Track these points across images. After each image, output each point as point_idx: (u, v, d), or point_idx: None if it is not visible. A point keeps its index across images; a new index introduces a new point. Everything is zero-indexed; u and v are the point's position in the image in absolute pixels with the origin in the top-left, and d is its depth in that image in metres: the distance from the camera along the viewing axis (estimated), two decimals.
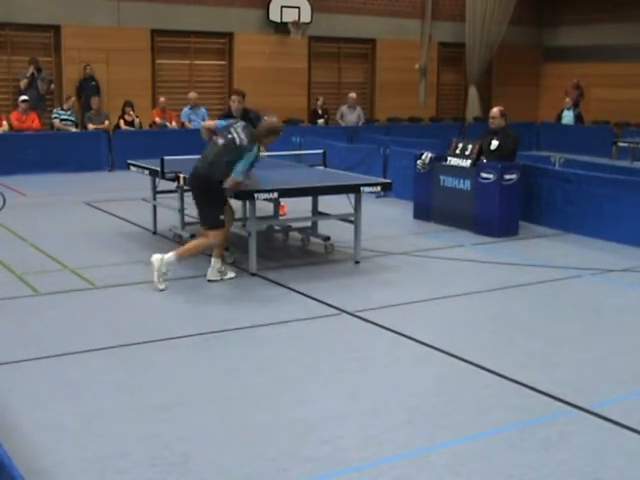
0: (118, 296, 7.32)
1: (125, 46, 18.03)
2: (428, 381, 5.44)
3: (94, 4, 17.77)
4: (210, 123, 8.31)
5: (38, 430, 4.57)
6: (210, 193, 7.55)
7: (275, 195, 8.05)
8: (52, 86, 17.42)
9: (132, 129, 17.05)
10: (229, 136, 7.57)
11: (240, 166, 7.48)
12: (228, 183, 7.50)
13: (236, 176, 7.49)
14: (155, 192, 9.78)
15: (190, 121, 17.60)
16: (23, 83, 16.74)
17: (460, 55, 22.54)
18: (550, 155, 13.78)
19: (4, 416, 4.73)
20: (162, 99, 17.71)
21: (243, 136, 7.55)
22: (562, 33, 23.37)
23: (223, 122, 7.97)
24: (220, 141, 7.60)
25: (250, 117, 9.74)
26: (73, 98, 16.99)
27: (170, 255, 7.41)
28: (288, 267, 8.43)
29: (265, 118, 7.97)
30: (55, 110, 16.77)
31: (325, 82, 21.15)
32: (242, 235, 8.28)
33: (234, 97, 9.45)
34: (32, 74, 16.76)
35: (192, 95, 17.76)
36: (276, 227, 9.79)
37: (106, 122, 16.84)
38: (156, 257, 7.39)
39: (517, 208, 10.23)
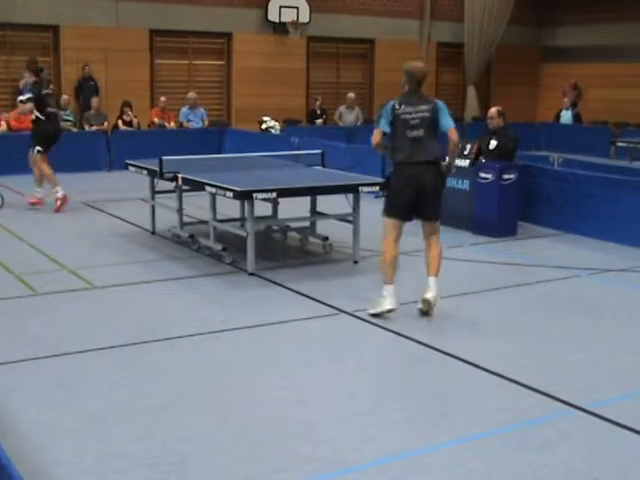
0: (116, 296, 7.32)
1: (124, 46, 18.02)
2: (427, 381, 5.44)
3: (93, 4, 17.76)
4: (377, 137, 6.84)
5: (37, 430, 4.56)
6: (441, 182, 6.95)
7: (274, 195, 8.06)
8: (51, 87, 17.38)
9: (130, 129, 17.04)
10: (415, 119, 6.72)
11: (449, 120, 6.79)
12: (452, 144, 6.83)
13: (453, 127, 6.76)
14: (153, 192, 9.78)
15: (189, 121, 17.60)
16: (23, 84, 16.67)
17: (459, 55, 22.55)
18: (549, 155, 13.78)
19: (3, 416, 4.72)
20: (163, 99, 17.70)
21: (423, 107, 6.73)
22: (560, 33, 23.38)
23: (384, 121, 6.78)
24: (414, 129, 6.73)
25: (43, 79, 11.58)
26: (64, 96, 16.94)
27: (433, 286, 6.83)
28: (286, 267, 8.43)
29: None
30: None
31: (323, 82, 21.15)
32: (240, 235, 8.27)
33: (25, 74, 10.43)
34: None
35: (191, 95, 17.77)
36: (274, 227, 9.80)
37: (105, 123, 16.83)
38: (432, 296, 6.77)
39: (516, 208, 10.22)
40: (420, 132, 6.75)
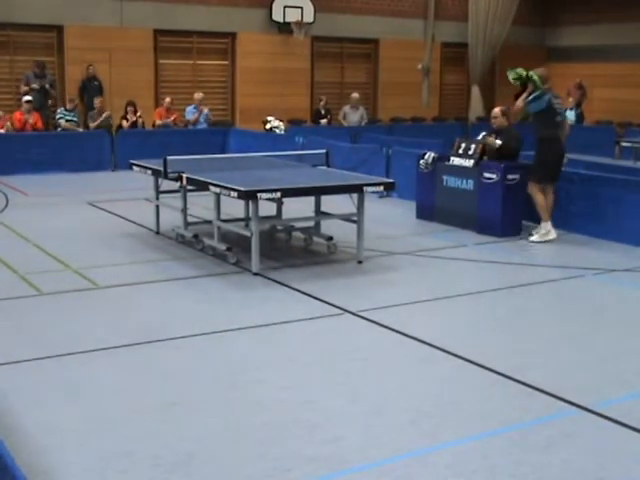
0: (120, 296, 7.33)
1: (128, 46, 18.05)
2: (431, 381, 5.44)
3: (97, 4, 17.79)
4: (520, 105, 9.98)
5: (40, 430, 4.56)
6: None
7: (278, 195, 8.05)
8: (55, 94, 17.41)
9: (135, 129, 17.04)
10: (560, 108, 9.88)
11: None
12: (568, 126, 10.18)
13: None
14: (158, 192, 9.78)
15: (197, 118, 17.56)
16: (24, 90, 16.67)
17: (463, 55, 22.53)
18: None
19: (6, 416, 4.73)
20: (168, 99, 17.66)
21: (559, 99, 9.96)
22: (565, 33, 23.35)
23: (536, 104, 9.65)
24: (560, 115, 9.81)
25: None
26: (76, 101, 17.03)
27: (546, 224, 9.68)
28: (291, 267, 8.43)
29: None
30: (59, 110, 16.75)
31: (328, 82, 21.16)
32: (245, 235, 8.28)
33: None
34: (37, 82, 16.77)
35: (197, 95, 17.77)
36: (279, 227, 9.80)
37: (103, 118, 16.77)
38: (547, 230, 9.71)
39: (520, 208, 10.19)
40: (561, 117, 9.84)
